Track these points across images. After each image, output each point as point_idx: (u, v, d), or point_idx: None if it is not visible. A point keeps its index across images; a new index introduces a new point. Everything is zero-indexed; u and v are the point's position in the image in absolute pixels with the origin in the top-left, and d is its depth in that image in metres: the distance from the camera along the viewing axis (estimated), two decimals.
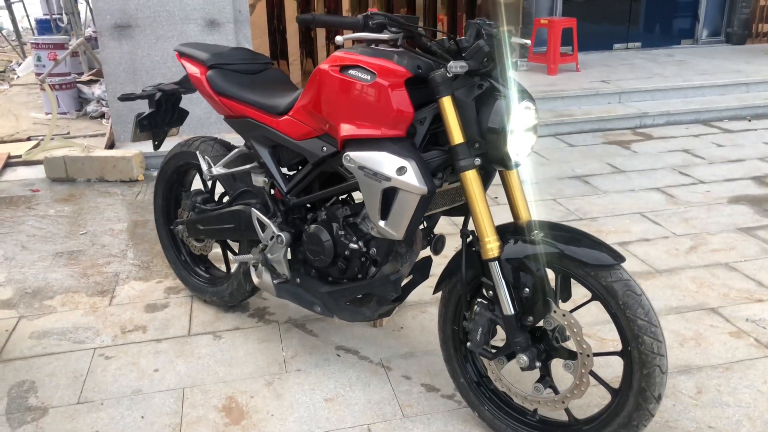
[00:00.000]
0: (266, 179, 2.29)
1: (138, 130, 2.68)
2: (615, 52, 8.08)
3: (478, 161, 1.75)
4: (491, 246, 1.75)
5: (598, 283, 1.67)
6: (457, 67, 1.67)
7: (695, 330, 2.50)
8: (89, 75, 6.50)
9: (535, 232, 1.78)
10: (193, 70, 2.41)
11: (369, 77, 1.83)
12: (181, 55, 2.52)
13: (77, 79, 6.29)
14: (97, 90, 6.17)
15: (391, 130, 1.81)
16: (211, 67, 2.36)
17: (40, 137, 5.20)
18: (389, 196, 1.83)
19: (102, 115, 5.92)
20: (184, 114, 2.78)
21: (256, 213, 2.27)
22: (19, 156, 4.76)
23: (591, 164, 4.59)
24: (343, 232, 2.08)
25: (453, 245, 2.41)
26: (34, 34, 9.43)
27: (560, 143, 5.15)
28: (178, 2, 4.52)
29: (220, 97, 2.32)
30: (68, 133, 5.47)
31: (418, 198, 1.78)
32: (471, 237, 1.86)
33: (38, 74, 6.14)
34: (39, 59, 6.24)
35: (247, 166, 2.34)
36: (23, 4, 10.69)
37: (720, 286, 2.83)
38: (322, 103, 1.96)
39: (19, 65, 9.16)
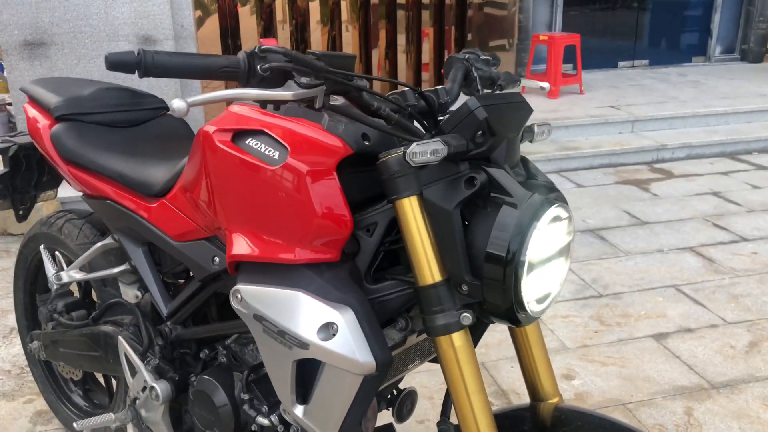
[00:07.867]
0: (140, 292, 1.48)
1: None
2: (621, 70, 7.33)
3: (467, 318, 0.95)
4: None
5: None
6: (427, 152, 0.88)
7: None
8: None
9: (564, 429, 0.99)
10: (35, 120, 1.60)
11: (277, 154, 1.03)
12: (30, 96, 1.71)
13: (5, 101, 5.46)
14: None
15: (313, 251, 1.02)
16: (59, 118, 1.55)
17: None
18: (309, 369, 1.03)
19: None
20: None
21: (123, 345, 1.46)
22: None
23: (605, 212, 3.80)
24: (248, 396, 1.27)
25: (429, 400, 1.61)
26: None
27: (567, 182, 4.36)
28: (104, 16, 3.70)
29: (70, 166, 1.51)
30: None
31: (360, 379, 0.98)
32: None
33: None
34: None
35: (116, 270, 1.52)
36: None
37: None
38: (207, 190, 1.17)
39: None
